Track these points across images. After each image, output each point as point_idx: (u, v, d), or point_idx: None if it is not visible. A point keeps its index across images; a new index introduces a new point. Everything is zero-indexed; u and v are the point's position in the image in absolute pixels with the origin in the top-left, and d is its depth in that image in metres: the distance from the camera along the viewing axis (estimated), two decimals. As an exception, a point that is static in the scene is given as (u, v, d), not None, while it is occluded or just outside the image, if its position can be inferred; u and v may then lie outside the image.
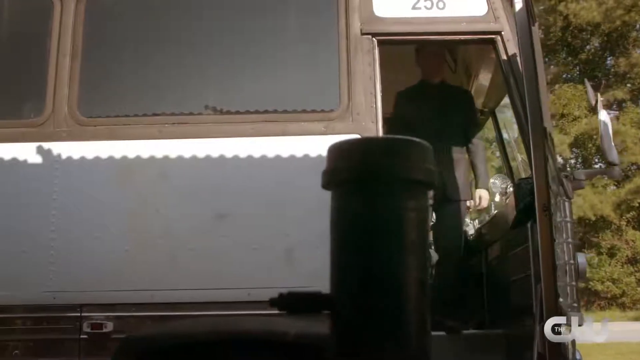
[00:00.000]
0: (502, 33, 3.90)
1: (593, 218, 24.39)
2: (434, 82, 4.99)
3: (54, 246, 3.68)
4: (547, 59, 28.03)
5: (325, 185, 0.99)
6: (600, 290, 25.39)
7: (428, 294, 0.96)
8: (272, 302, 1.02)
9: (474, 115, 5.17)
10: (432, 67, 4.99)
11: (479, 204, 5.02)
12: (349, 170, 0.93)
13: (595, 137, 22.47)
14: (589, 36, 27.52)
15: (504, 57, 3.88)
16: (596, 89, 26.10)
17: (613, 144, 3.75)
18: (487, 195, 4.99)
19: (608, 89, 26.04)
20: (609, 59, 27.71)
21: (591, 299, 26.68)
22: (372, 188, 0.92)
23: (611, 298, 25.98)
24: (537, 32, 3.59)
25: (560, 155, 25.73)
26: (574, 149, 25.69)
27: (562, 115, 25.82)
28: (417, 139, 1.01)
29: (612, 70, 27.15)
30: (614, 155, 3.76)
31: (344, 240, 0.97)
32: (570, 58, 28.06)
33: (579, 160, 25.76)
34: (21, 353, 3.61)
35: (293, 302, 1.01)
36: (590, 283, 25.08)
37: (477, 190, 5.01)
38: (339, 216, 0.96)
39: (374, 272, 0.93)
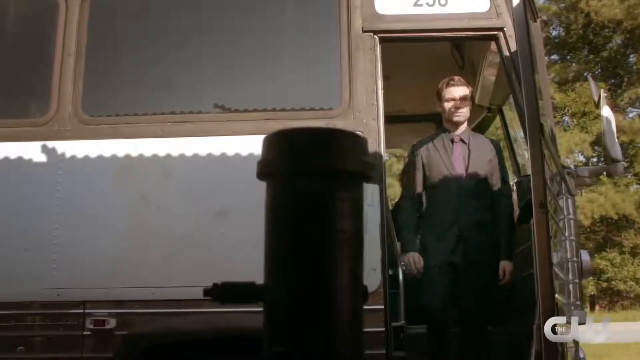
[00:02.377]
0: (505, 29, 3.87)
1: (615, 217, 24.14)
2: (455, 132, 4.35)
3: (57, 244, 3.72)
4: (568, 57, 27.83)
5: (259, 176, 0.99)
6: (623, 289, 25.15)
7: (361, 286, 0.95)
8: (206, 292, 1.02)
9: (502, 169, 4.39)
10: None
11: (503, 279, 4.19)
12: (279, 161, 0.94)
13: (617, 135, 22.19)
14: (610, 33, 27.22)
15: (507, 53, 3.85)
16: (618, 86, 25.91)
17: (616, 140, 3.71)
18: (510, 269, 4.17)
19: (630, 87, 25.78)
20: (631, 56, 27.39)
21: (614, 299, 26.43)
22: (302, 179, 0.92)
23: (634, 297, 25.72)
24: (538, 28, 3.56)
25: (582, 154, 25.54)
26: (595, 147, 25.41)
27: (584, 114, 25.59)
28: (350, 130, 1.01)
29: (635, 67, 26.83)
30: (617, 152, 3.73)
31: (276, 232, 0.97)
32: (591, 56, 27.81)
33: (601, 158, 25.46)
34: (25, 349, 3.66)
35: (226, 293, 1.02)
36: (613, 283, 24.87)
37: (501, 262, 4.20)
38: (271, 207, 0.97)
39: (305, 263, 0.93)
